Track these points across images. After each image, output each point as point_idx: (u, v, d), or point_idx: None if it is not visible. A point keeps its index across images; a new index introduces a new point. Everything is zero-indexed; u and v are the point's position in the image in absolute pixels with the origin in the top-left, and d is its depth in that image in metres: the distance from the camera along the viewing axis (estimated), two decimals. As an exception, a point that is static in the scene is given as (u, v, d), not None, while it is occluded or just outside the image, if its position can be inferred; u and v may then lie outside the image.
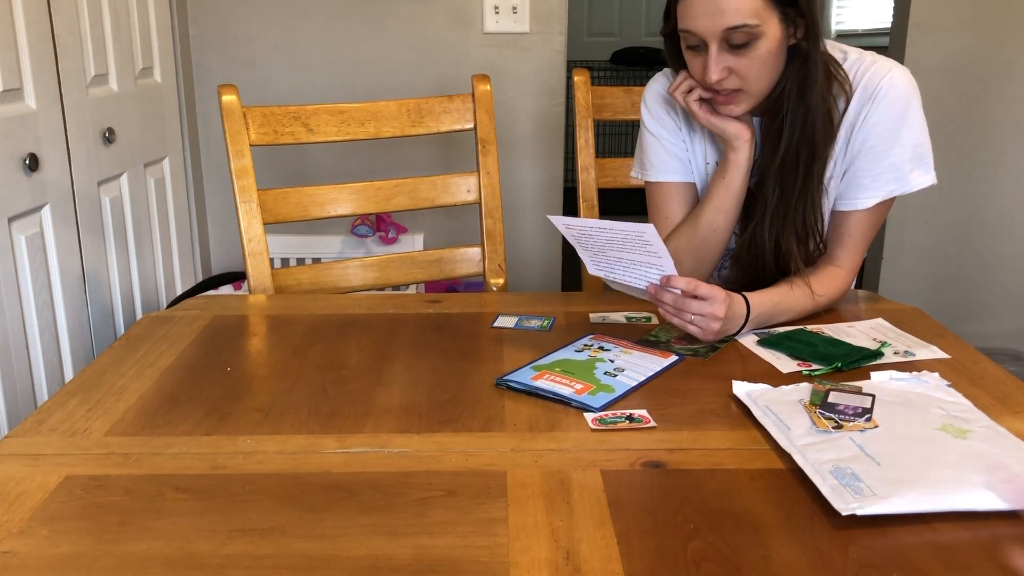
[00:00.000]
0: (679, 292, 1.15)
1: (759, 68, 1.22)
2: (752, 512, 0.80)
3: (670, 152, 1.41)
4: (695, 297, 1.14)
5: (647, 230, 1.10)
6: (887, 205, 1.32)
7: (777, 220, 1.29)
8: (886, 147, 1.27)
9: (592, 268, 1.22)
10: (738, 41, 1.19)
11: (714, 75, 1.21)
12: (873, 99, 1.26)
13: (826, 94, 1.25)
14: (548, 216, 1.25)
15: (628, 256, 1.16)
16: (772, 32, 1.20)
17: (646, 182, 1.45)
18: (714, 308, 1.14)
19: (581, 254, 1.21)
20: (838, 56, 1.29)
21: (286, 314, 1.36)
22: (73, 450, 0.93)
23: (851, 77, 1.28)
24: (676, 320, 1.17)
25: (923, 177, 1.29)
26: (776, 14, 1.19)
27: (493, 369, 1.12)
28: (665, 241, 1.22)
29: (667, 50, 1.34)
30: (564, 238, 2.67)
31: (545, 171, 2.60)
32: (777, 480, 0.86)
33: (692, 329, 1.17)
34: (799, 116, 1.25)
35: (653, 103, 1.43)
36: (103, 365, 1.15)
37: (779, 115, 1.26)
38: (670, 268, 1.15)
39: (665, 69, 1.42)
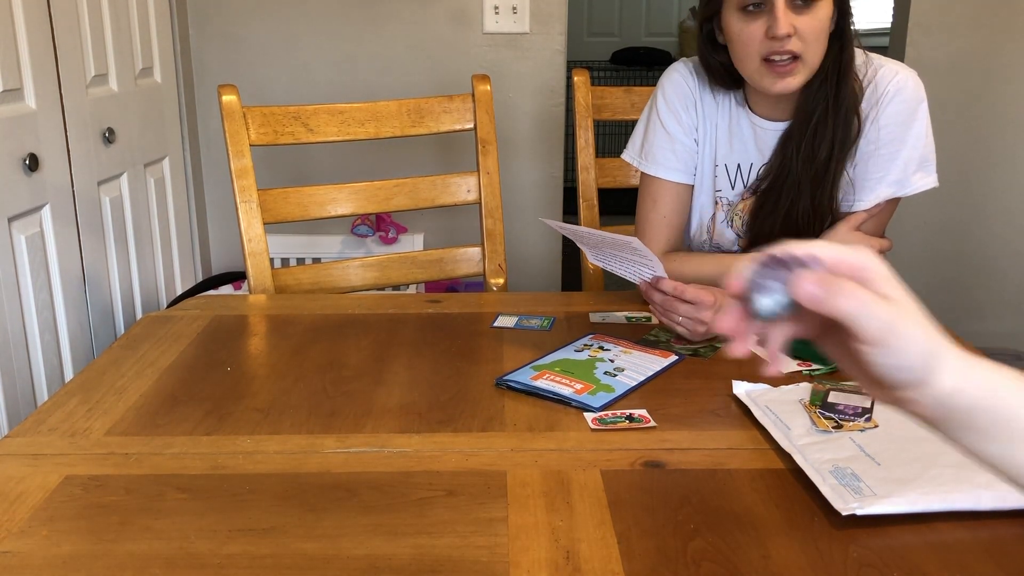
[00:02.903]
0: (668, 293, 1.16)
1: (819, 32, 1.20)
2: (752, 512, 0.80)
3: (678, 153, 1.38)
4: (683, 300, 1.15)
5: (631, 242, 1.12)
6: (892, 206, 1.32)
7: (791, 221, 1.29)
8: (892, 150, 1.27)
9: (592, 258, 1.25)
10: None
11: (783, 28, 1.18)
12: (881, 101, 1.26)
13: (855, 85, 1.25)
14: (541, 219, 1.25)
15: (622, 254, 1.18)
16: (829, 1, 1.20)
17: (643, 172, 1.42)
18: (700, 313, 1.16)
19: (580, 246, 1.23)
20: None
21: (286, 314, 1.36)
22: (73, 450, 0.93)
23: (860, 77, 1.27)
24: (664, 320, 1.19)
25: (925, 179, 1.28)
26: None
27: (493, 369, 1.12)
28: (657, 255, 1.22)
29: (701, 38, 1.31)
30: (564, 237, 2.68)
31: (545, 171, 2.60)
32: (777, 480, 0.86)
33: (680, 329, 1.19)
34: (840, 105, 1.24)
35: (672, 96, 1.38)
36: (103, 365, 1.15)
37: (815, 110, 1.25)
38: (660, 271, 1.17)
39: (684, 59, 1.40)
